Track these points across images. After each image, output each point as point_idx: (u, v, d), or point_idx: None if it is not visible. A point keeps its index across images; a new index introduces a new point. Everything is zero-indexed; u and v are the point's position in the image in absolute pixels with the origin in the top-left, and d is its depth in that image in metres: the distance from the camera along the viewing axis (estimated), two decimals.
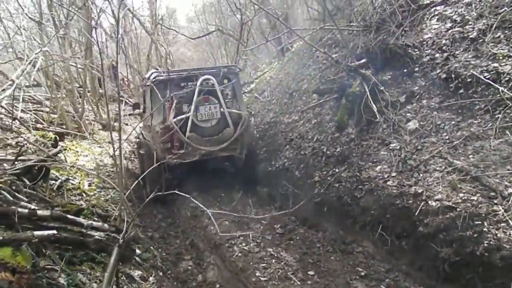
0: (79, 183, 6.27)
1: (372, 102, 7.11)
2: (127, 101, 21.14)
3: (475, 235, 4.25)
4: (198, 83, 6.93)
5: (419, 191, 5.23)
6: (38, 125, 10.89)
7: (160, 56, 26.97)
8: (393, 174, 5.90)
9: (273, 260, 5.08)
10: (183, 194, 3.67)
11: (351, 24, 9.44)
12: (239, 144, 7.33)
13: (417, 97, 6.95)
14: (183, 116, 6.99)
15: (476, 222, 4.33)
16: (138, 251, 4.64)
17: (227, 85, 7.61)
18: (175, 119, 6.94)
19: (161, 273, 4.62)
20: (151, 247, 5.19)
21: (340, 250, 5.41)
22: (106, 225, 4.39)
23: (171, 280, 4.79)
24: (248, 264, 5.00)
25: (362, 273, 4.85)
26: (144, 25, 26.79)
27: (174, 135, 6.89)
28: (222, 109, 7.14)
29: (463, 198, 4.70)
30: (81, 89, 19.90)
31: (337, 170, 6.83)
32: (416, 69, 7.37)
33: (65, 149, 9.62)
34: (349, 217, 5.96)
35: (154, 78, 7.46)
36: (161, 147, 6.95)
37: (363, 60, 7.99)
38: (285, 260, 5.12)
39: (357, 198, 5.92)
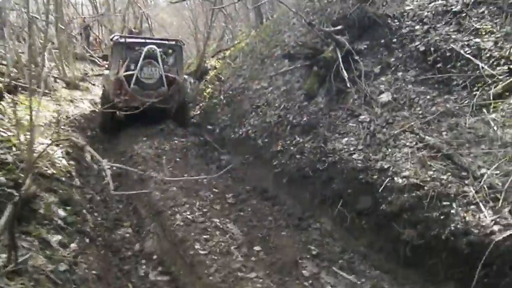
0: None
1: (344, 71, 6.61)
2: (97, 60, 19.97)
3: (441, 217, 3.85)
4: (144, 50, 8.77)
5: (386, 166, 4.81)
6: None
7: (137, 18, 25.74)
8: (360, 147, 5.46)
9: (217, 232, 4.56)
10: None
11: None
12: (171, 100, 9.05)
13: (393, 68, 6.50)
14: (131, 72, 8.77)
15: (444, 203, 3.94)
16: (62, 213, 4.06)
17: (170, 54, 9.58)
18: (124, 74, 8.75)
19: (87, 240, 4.04)
20: (84, 211, 4.60)
21: (294, 225, 4.95)
22: (2, 178, 3.77)
23: (100, 248, 4.23)
24: (189, 235, 4.46)
25: (314, 252, 4.40)
26: None
27: (122, 85, 8.65)
28: (160, 72, 8.91)
29: (432, 176, 4.29)
30: (53, 45, 18.78)
31: (301, 140, 6.35)
32: (394, 40, 6.91)
33: (15, 103, 8.80)
34: (309, 191, 5.50)
35: (114, 40, 9.64)
36: (113, 92, 8.76)
37: (339, 27, 7.44)
38: (231, 232, 4.62)
39: (319, 170, 5.45)
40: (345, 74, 6.40)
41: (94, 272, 3.71)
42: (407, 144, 5.06)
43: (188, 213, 4.94)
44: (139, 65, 8.65)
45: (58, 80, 14.67)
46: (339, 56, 6.61)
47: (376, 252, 4.42)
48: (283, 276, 4.03)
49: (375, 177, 4.78)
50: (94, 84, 16.68)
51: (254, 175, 6.61)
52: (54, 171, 4.80)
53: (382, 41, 7.03)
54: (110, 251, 4.47)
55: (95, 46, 23.38)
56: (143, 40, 9.56)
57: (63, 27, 18.07)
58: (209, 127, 9.41)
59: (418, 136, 5.07)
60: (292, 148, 6.30)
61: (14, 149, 4.70)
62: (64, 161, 5.52)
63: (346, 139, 5.78)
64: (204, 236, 4.43)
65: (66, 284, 3.21)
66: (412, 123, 5.31)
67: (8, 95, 9.34)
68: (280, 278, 4.00)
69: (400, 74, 6.34)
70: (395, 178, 4.54)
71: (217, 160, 7.67)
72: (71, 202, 4.47)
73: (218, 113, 9.73)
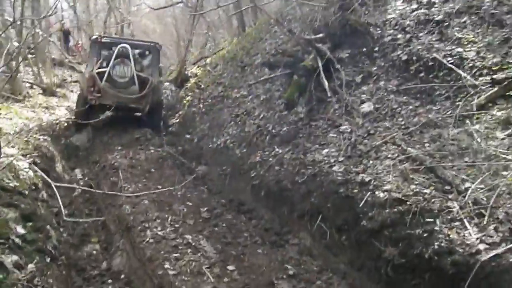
0: None
1: (325, 80, 6.42)
2: (76, 67, 19.55)
3: (424, 235, 3.64)
4: (116, 49, 8.92)
5: (367, 179, 4.60)
6: None
7: (117, 23, 25.40)
8: (340, 159, 5.25)
9: (189, 250, 4.26)
10: None
11: None
12: (144, 100, 9.03)
13: (375, 78, 6.34)
14: (103, 69, 8.92)
15: (427, 220, 3.72)
16: (21, 230, 3.73)
17: (146, 56, 9.83)
18: (97, 71, 8.98)
19: (48, 259, 3.72)
20: (48, 226, 4.26)
21: (271, 242, 4.67)
22: None
23: (63, 267, 3.90)
24: (158, 253, 4.15)
25: (291, 272, 4.11)
26: None
27: (95, 81, 8.81)
28: (132, 71, 8.93)
29: (414, 190, 4.09)
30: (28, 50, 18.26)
31: (280, 151, 6.12)
32: (376, 48, 6.76)
33: None
34: (287, 204, 5.25)
35: (91, 39, 10.14)
36: (86, 89, 8.98)
37: (320, 35, 7.29)
38: (203, 250, 4.32)
39: (297, 183, 5.22)
40: (325, 83, 6.22)
41: None
42: (389, 156, 4.86)
43: (159, 228, 4.63)
44: (111, 63, 8.84)
45: (34, 86, 14.25)
46: (320, 64, 6.43)
47: (357, 270, 4.17)
48: None
49: (355, 190, 4.56)
50: (72, 91, 16.25)
51: (231, 187, 6.36)
52: (17, 184, 4.46)
53: (364, 49, 6.89)
54: (74, 270, 4.15)
55: (75, 52, 22.94)
56: (118, 40, 9.99)
57: (40, 32, 17.65)
58: (187, 136, 9.13)
59: (400, 148, 4.88)
60: (271, 159, 6.07)
61: None
62: (30, 173, 5.17)
63: (326, 150, 5.57)
64: (175, 255, 4.13)
65: None
66: (394, 134, 5.13)
67: None
68: None
69: (382, 83, 6.18)
70: (377, 192, 4.33)
71: (194, 171, 7.39)
72: (34, 217, 4.14)
73: (196, 122, 9.46)
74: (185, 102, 11.69)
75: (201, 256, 4.19)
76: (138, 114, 9.53)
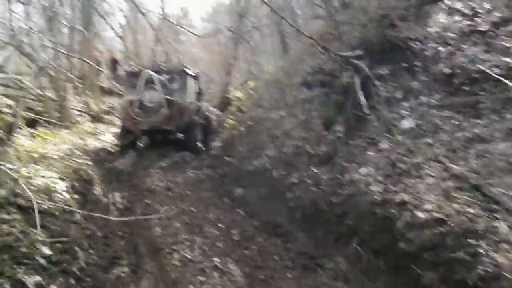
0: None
1: (363, 97, 6.23)
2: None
3: (468, 258, 3.32)
4: (142, 77, 9.44)
5: (406, 199, 4.31)
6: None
7: (164, 52, 26.33)
8: (379, 178, 4.98)
9: (215, 273, 4.11)
10: None
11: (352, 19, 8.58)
12: (172, 121, 9.47)
13: (416, 93, 6.07)
14: (135, 97, 9.49)
15: (471, 241, 3.41)
16: (47, 252, 3.77)
17: (175, 80, 10.06)
18: (129, 99, 9.62)
19: (73, 281, 3.71)
20: (76, 248, 4.30)
21: (303, 265, 4.44)
22: None
23: None
24: (183, 276, 4.06)
25: None
26: (149, 19, 26.24)
27: (128, 110, 9.44)
28: (160, 96, 9.42)
29: (457, 210, 3.78)
30: (80, 80, 19.37)
31: (317, 172, 5.93)
32: (417, 63, 6.51)
33: (33, 137, 8.85)
34: (323, 226, 5.02)
35: (126, 71, 11.25)
36: (123, 117, 9.85)
37: (358, 52, 7.12)
38: (230, 274, 4.17)
39: (334, 204, 4.99)
40: (363, 100, 6.01)
41: None
42: (431, 174, 4.56)
43: (188, 251, 4.54)
44: (140, 90, 9.42)
45: (83, 114, 14.92)
46: (357, 81, 6.24)
47: None
48: None
49: (393, 211, 4.28)
50: (120, 117, 16.87)
51: (267, 209, 6.19)
52: (50, 206, 4.56)
53: (404, 65, 6.64)
54: None
55: (125, 80, 23.97)
56: (148, 69, 10.18)
57: (89, 61, 18.62)
58: (227, 159, 9.10)
59: (443, 165, 4.57)
60: (308, 180, 5.88)
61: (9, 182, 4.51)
62: (66, 195, 5.30)
63: (364, 169, 5.32)
64: (200, 278, 4.02)
65: None
66: (437, 151, 4.83)
67: (27, 127, 9.42)
68: None
69: (423, 98, 5.89)
70: (416, 212, 4.04)
71: (231, 193, 7.31)
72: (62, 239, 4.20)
73: (237, 144, 9.43)
74: (226, 125, 11.77)
75: (227, 280, 4.04)
76: (173, 136, 10.02)
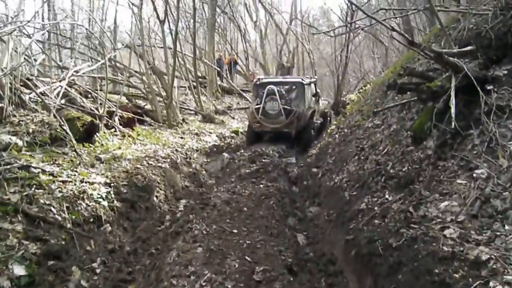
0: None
1: (462, 106, 4.76)
2: (244, 94, 20.33)
3: None
4: (265, 89, 11.38)
5: (485, 257, 2.95)
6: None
7: (289, 52, 26.05)
8: (460, 217, 3.61)
9: None
10: None
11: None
12: (291, 126, 11.20)
13: None
14: (259, 105, 11.44)
15: None
16: (19, 272, 3.37)
17: (293, 90, 11.75)
18: (256, 107, 11.59)
19: None
20: (75, 267, 3.85)
21: None
22: None
23: None
24: None
25: None
26: (275, 18, 26.19)
27: (254, 115, 11.47)
28: (280, 106, 11.19)
29: None
30: (203, 80, 20.04)
31: (389, 199, 4.67)
32: None
33: (123, 136, 9.03)
34: (372, 276, 3.81)
35: (253, 82, 12.98)
36: (251, 120, 11.83)
37: (468, 47, 5.57)
38: None
39: (391, 248, 3.75)
40: (453, 110, 4.55)
41: None
42: None
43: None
44: (263, 100, 11.36)
45: (196, 114, 15.17)
46: (452, 86, 4.78)
47: None
48: None
49: (464, 272, 2.95)
50: (233, 118, 16.81)
51: (329, 238, 5.13)
52: (67, 215, 4.24)
53: None
54: None
55: (250, 80, 24.25)
56: (271, 80, 12.44)
57: (208, 62, 19.04)
58: (314, 170, 8.12)
59: None
60: (375, 208, 4.66)
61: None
62: (104, 202, 4.99)
63: (446, 203, 3.94)
64: None
65: None
66: None
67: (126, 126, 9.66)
68: None
69: None
70: (493, 283, 2.68)
71: (302, 212, 6.34)
72: (61, 254, 3.83)
73: (328, 154, 8.39)
74: (328, 131, 10.77)
75: None
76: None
